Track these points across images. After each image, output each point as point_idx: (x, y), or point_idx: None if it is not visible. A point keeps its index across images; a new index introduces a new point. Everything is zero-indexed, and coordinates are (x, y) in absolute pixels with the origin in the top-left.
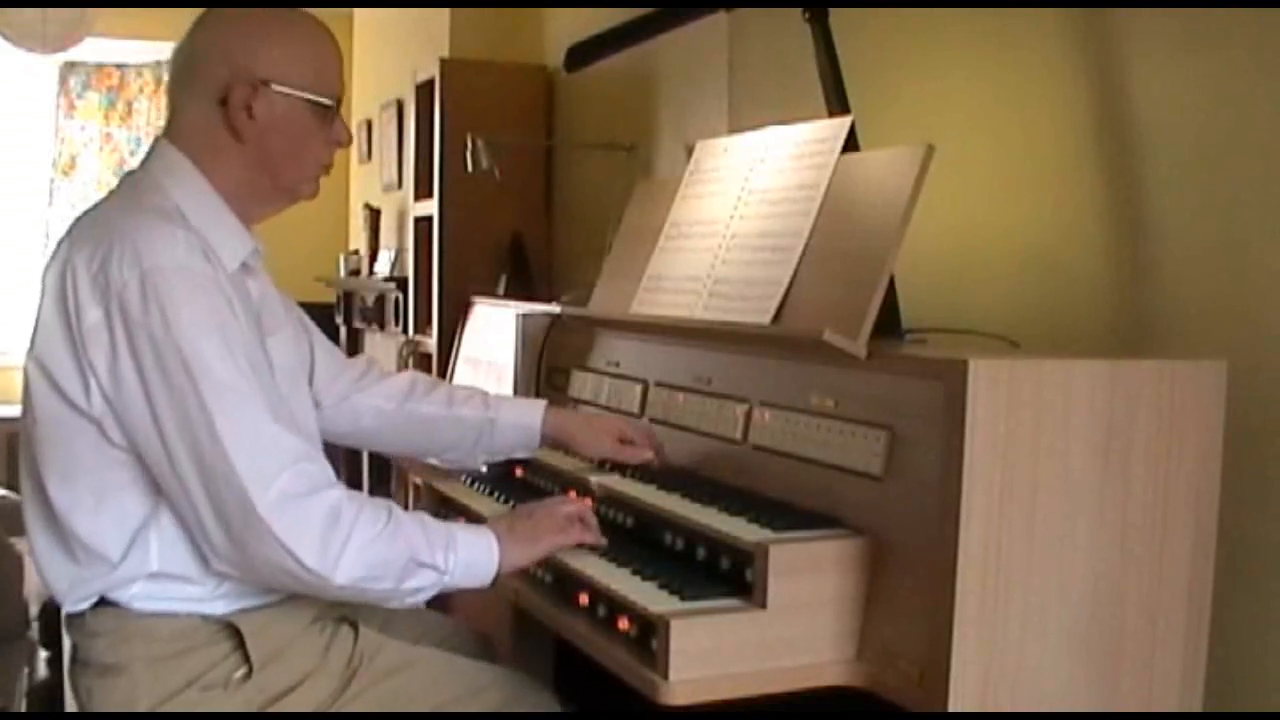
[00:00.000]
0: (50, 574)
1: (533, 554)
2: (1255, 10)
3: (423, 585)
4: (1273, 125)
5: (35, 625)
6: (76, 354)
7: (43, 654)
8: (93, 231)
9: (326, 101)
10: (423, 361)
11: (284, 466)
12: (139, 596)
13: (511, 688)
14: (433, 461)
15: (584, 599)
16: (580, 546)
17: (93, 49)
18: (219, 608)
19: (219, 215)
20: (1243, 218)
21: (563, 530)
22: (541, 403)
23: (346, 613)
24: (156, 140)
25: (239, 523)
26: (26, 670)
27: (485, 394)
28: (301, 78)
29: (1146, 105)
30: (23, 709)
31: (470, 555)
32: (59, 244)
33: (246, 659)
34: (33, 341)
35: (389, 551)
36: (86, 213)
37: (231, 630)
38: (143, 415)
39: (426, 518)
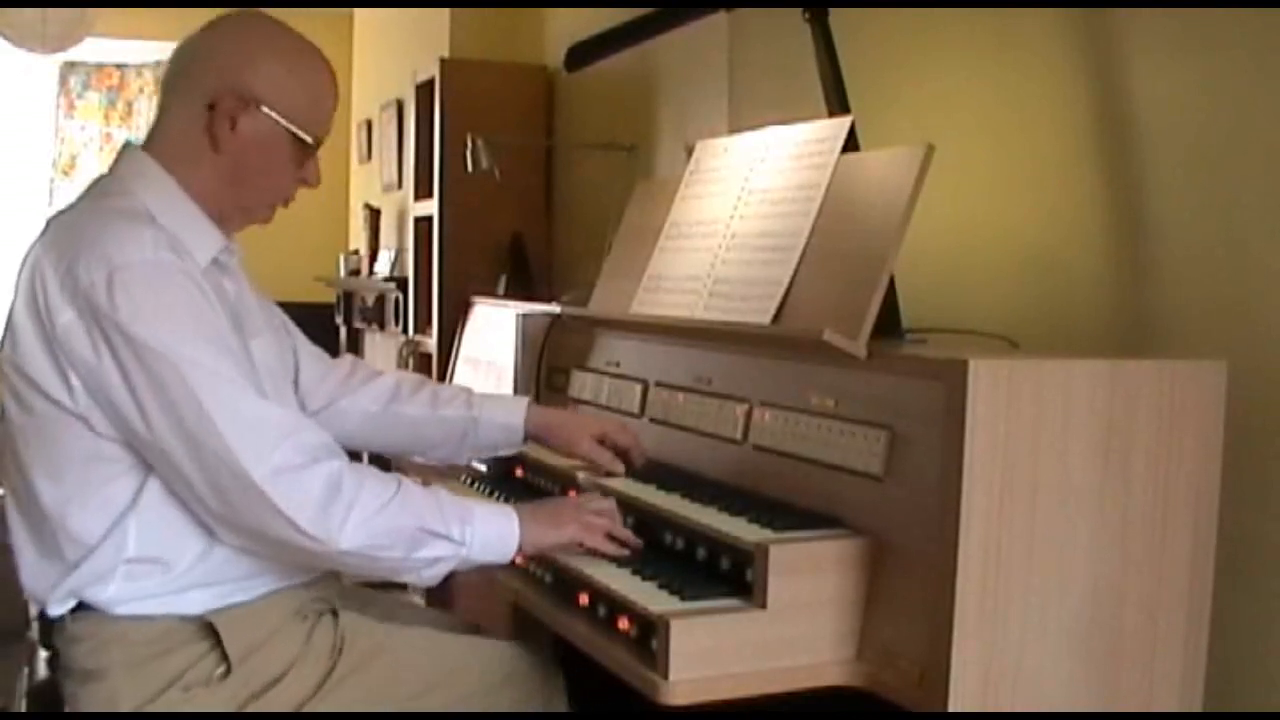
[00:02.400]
0: (32, 574)
1: (555, 538)
2: (1255, 10)
3: (439, 555)
4: (1273, 125)
5: (35, 625)
6: (54, 356)
7: (43, 654)
8: (61, 235)
9: (309, 139)
10: (423, 361)
11: (279, 440)
12: (116, 599)
13: (508, 659)
14: (419, 460)
15: (584, 599)
16: (599, 554)
17: (93, 49)
18: (195, 605)
19: (188, 213)
20: (1243, 218)
21: (588, 527)
22: (524, 400)
23: (327, 604)
24: (126, 144)
25: (237, 497)
26: (26, 670)
27: (470, 393)
28: (293, 108)
29: (1146, 105)
30: (22, 709)
31: (488, 529)
32: (30, 247)
33: (224, 657)
34: (4, 343)
35: (396, 520)
36: (55, 217)
37: (209, 629)
38: (128, 407)
39: (443, 492)
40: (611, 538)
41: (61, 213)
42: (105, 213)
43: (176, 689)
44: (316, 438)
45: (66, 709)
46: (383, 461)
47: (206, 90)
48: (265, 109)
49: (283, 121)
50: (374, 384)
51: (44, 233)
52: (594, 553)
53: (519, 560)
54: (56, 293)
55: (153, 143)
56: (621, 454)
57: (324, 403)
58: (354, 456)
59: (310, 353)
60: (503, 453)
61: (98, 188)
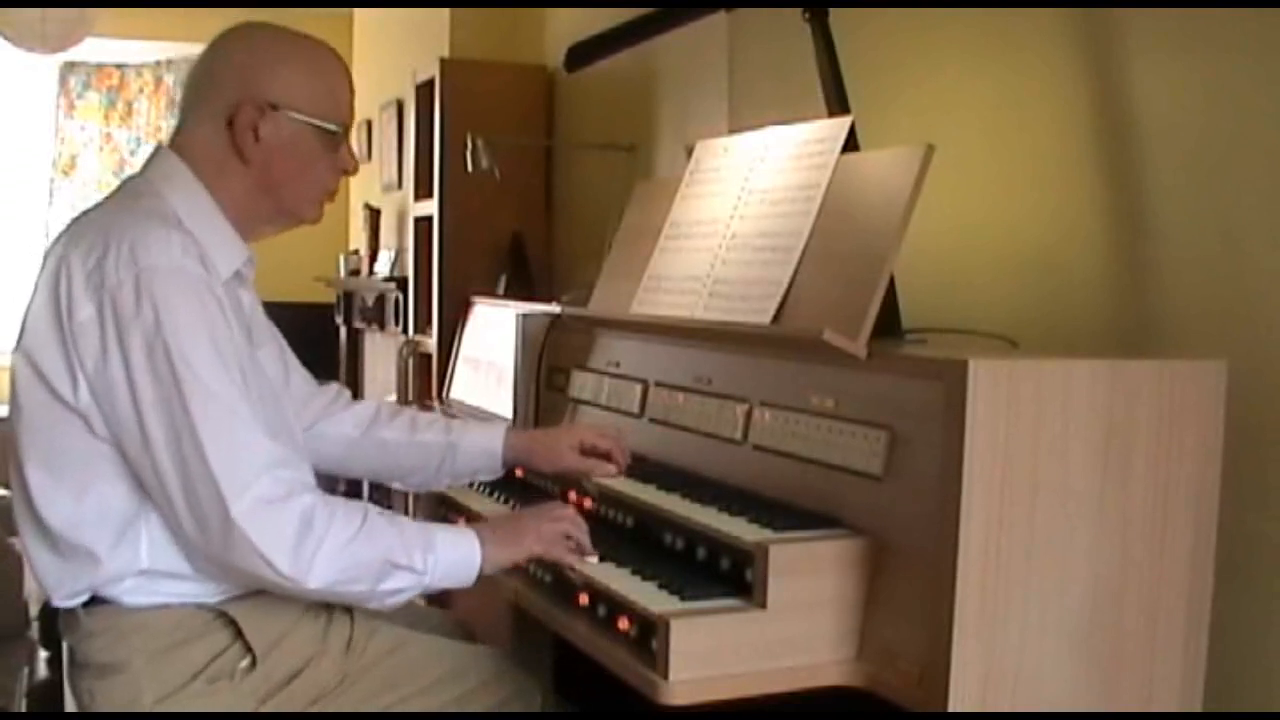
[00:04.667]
0: (39, 568)
1: (514, 556)
2: (1255, 10)
3: (401, 587)
4: (1273, 125)
5: (35, 625)
6: (66, 349)
7: (43, 654)
8: (90, 231)
9: (333, 128)
10: (423, 361)
11: (260, 472)
12: (130, 591)
13: (496, 666)
14: (397, 486)
15: (584, 599)
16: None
17: (93, 49)
18: (213, 596)
19: (214, 223)
20: (1243, 218)
21: (546, 540)
22: (502, 426)
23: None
24: (159, 148)
25: (215, 526)
26: (26, 670)
27: (448, 419)
28: (310, 103)
29: (1146, 105)
30: (23, 709)
31: (450, 556)
32: (54, 243)
33: (248, 649)
34: (21, 336)
35: (363, 555)
36: (84, 213)
37: (228, 619)
38: (128, 412)
39: (404, 520)
40: (574, 544)
41: (89, 210)
42: (136, 213)
43: (201, 680)
44: (295, 472)
45: (79, 706)
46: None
47: (224, 107)
48: (284, 110)
49: (302, 118)
50: (355, 409)
51: (69, 229)
52: (559, 562)
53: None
54: (81, 287)
55: (183, 150)
56: (605, 457)
57: (306, 425)
58: (333, 481)
59: (300, 374)
60: (481, 478)
61: (128, 188)
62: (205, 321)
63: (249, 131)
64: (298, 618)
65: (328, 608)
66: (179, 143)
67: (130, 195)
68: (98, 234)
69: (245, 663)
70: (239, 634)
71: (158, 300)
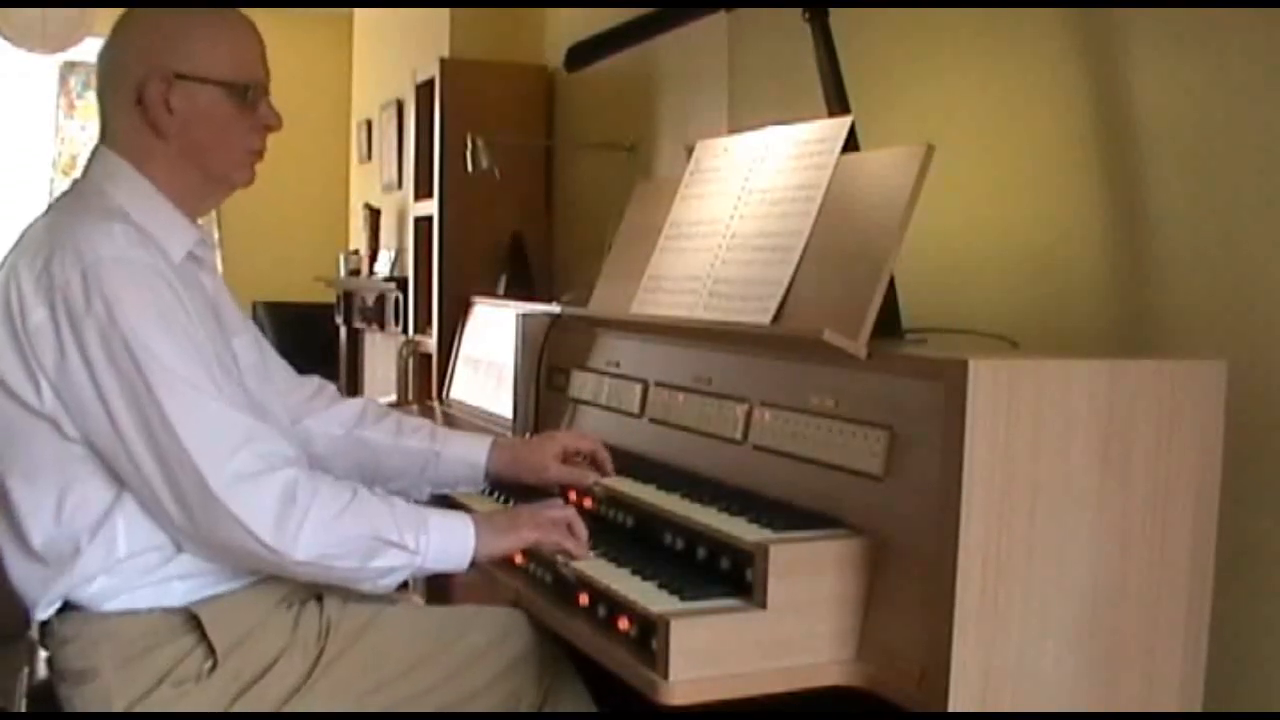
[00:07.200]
0: (20, 579)
1: (508, 543)
2: (1255, 10)
3: (393, 565)
4: (1272, 125)
5: (36, 626)
6: (24, 356)
7: (43, 654)
8: (36, 237)
9: (243, 85)
10: (423, 361)
11: (237, 446)
12: (100, 596)
13: (503, 620)
14: (378, 491)
15: (584, 599)
16: (562, 554)
17: (93, 49)
18: (179, 596)
19: (160, 210)
20: (1243, 218)
21: (542, 528)
22: (488, 439)
23: (311, 591)
24: (96, 147)
25: (197, 504)
26: (26, 670)
27: (434, 426)
28: (213, 66)
29: (1146, 105)
30: (23, 709)
31: (444, 538)
32: (8, 254)
33: (211, 650)
34: None
35: (351, 529)
36: (33, 222)
37: (195, 622)
38: (95, 407)
39: (398, 501)
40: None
41: (39, 217)
42: (78, 212)
43: (167, 685)
44: (274, 445)
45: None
46: None
47: (131, 87)
48: (189, 77)
49: (210, 81)
50: (339, 407)
51: (20, 237)
52: (559, 550)
53: (518, 560)
54: (31, 292)
55: (114, 143)
56: (588, 458)
57: (290, 418)
58: None
59: (279, 364)
60: (462, 489)
61: (73, 191)
62: (158, 306)
63: (160, 105)
64: (266, 613)
65: (300, 601)
66: (107, 137)
67: (75, 198)
68: (43, 238)
69: (208, 664)
70: (204, 636)
71: (107, 292)
